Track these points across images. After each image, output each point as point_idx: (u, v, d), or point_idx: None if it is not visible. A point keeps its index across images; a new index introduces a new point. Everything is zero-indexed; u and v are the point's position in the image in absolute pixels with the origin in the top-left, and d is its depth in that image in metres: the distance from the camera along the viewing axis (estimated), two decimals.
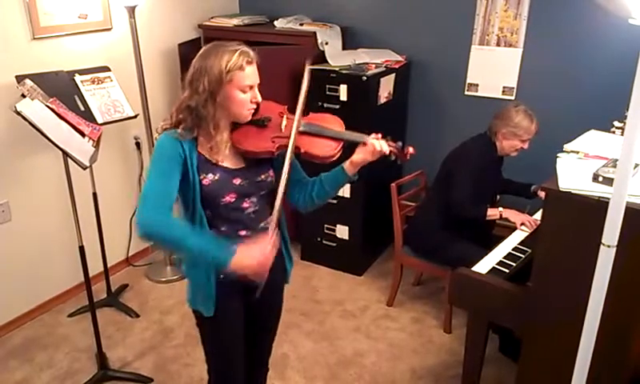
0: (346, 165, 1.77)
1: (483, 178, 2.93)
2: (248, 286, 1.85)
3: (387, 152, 1.74)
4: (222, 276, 1.78)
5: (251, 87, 1.68)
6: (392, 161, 1.82)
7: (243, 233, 1.79)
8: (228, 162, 1.73)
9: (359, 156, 1.74)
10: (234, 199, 1.73)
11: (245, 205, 1.77)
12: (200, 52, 1.68)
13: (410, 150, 1.80)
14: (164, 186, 1.64)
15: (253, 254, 1.62)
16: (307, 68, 1.82)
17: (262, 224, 1.82)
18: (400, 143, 1.81)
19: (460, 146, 3.02)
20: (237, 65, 1.62)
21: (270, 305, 2.02)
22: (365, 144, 1.73)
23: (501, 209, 2.86)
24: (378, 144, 1.72)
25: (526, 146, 2.90)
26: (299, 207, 1.92)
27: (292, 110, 1.82)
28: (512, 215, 2.81)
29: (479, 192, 2.93)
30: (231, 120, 1.72)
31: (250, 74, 1.66)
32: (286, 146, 1.72)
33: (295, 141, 1.72)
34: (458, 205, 2.89)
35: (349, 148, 1.78)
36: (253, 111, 1.72)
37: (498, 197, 3.42)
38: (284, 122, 1.77)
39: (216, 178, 1.70)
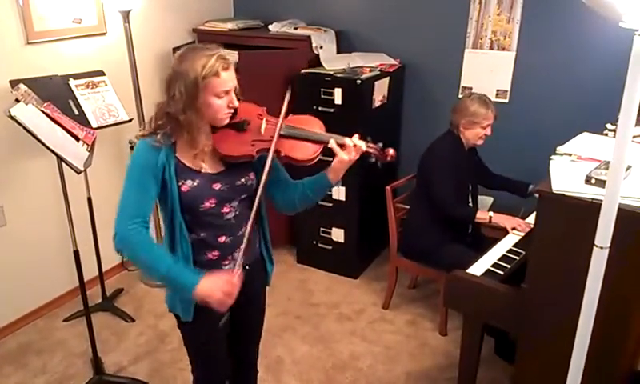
0: (329, 172, 1.76)
1: (457, 173, 2.95)
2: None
3: (364, 148, 1.71)
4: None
5: (227, 92, 1.65)
6: (372, 162, 1.78)
7: (222, 239, 1.78)
8: (208, 166, 1.71)
9: (337, 160, 1.71)
10: (214, 205, 1.72)
11: (225, 210, 1.75)
12: (176, 56, 1.65)
13: (391, 151, 1.77)
14: (140, 196, 1.63)
15: (218, 285, 1.60)
16: (288, 93, 1.80)
17: (242, 230, 1.80)
18: (380, 144, 1.78)
19: (427, 150, 3.04)
20: (212, 71, 1.58)
21: (251, 307, 2.01)
22: (341, 146, 1.70)
23: (491, 213, 2.87)
24: (350, 142, 1.69)
25: (488, 131, 2.93)
26: (282, 210, 1.90)
27: (271, 112, 1.80)
28: (502, 220, 2.80)
29: (457, 189, 2.95)
30: (209, 124, 1.70)
31: (227, 80, 1.62)
32: (266, 150, 1.70)
33: (275, 145, 1.70)
34: (444, 204, 2.90)
35: (330, 152, 1.75)
36: (230, 115, 1.70)
37: (492, 199, 3.44)
38: (264, 125, 1.75)
39: (195, 183, 1.68)
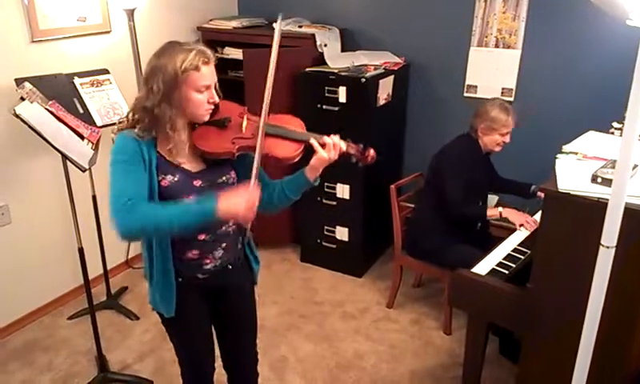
0: (306, 169, 1.75)
1: (472, 176, 2.93)
2: (213, 289, 1.86)
3: (344, 148, 1.72)
4: (180, 279, 1.77)
5: (207, 87, 1.63)
6: (354, 163, 1.78)
7: (202, 237, 1.76)
8: (188, 163, 1.70)
9: (316, 157, 1.71)
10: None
11: None
12: (156, 51, 1.64)
13: (371, 152, 1.76)
14: (133, 180, 1.58)
15: (239, 196, 1.57)
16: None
17: (223, 228, 1.79)
18: (361, 145, 1.77)
19: (443, 148, 3.03)
20: (192, 64, 1.57)
21: (239, 307, 2.00)
22: (322, 145, 1.70)
23: (500, 209, 2.86)
24: (330, 141, 1.69)
25: (507, 139, 2.91)
26: (260, 211, 1.85)
27: (252, 111, 1.79)
28: (512, 215, 2.81)
29: (470, 191, 2.93)
30: (188, 120, 1.68)
31: (207, 74, 1.61)
32: (247, 147, 1.70)
33: (257, 143, 1.68)
34: (455, 206, 2.89)
35: (309, 151, 1.75)
36: (210, 111, 1.69)
37: (497, 198, 3.43)
38: (244, 123, 1.74)
39: (175, 179, 1.66)
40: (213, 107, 1.68)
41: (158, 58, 1.60)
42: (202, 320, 1.91)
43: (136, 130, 1.62)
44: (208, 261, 1.80)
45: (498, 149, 2.95)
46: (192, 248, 1.76)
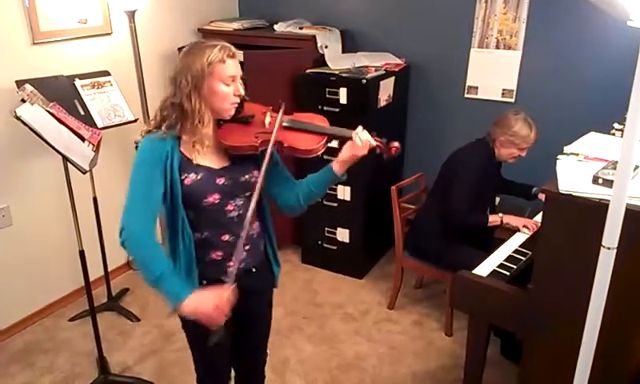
0: (334, 164, 1.75)
1: (483, 184, 2.91)
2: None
3: (373, 144, 1.72)
4: (204, 281, 1.77)
5: (233, 79, 1.66)
6: (377, 155, 1.77)
7: (226, 238, 1.77)
8: (212, 161, 1.71)
9: (346, 153, 1.71)
10: (218, 200, 1.71)
11: (228, 208, 1.74)
12: (183, 51, 1.69)
13: (396, 144, 1.77)
14: (149, 191, 1.63)
15: (210, 299, 1.58)
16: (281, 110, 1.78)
17: (246, 229, 1.78)
18: (385, 139, 1.78)
19: (458, 152, 3.00)
20: (218, 58, 1.61)
21: (256, 310, 2.01)
22: (350, 139, 1.71)
23: (501, 215, 2.84)
24: (362, 135, 1.70)
25: (523, 153, 2.87)
26: (286, 210, 1.89)
27: (276, 111, 1.81)
28: (513, 220, 2.79)
29: (479, 198, 2.91)
30: (215, 116, 1.71)
31: (232, 66, 1.65)
32: (270, 142, 1.70)
33: (278, 136, 1.71)
34: (458, 214, 2.87)
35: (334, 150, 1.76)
36: (236, 105, 1.71)
37: (498, 199, 3.43)
38: (267, 119, 1.77)
39: (198, 177, 1.68)
40: (238, 101, 1.70)
41: (185, 57, 1.65)
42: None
43: (162, 129, 1.66)
44: (231, 263, 1.80)
45: (511, 161, 2.91)
46: (216, 249, 1.77)
